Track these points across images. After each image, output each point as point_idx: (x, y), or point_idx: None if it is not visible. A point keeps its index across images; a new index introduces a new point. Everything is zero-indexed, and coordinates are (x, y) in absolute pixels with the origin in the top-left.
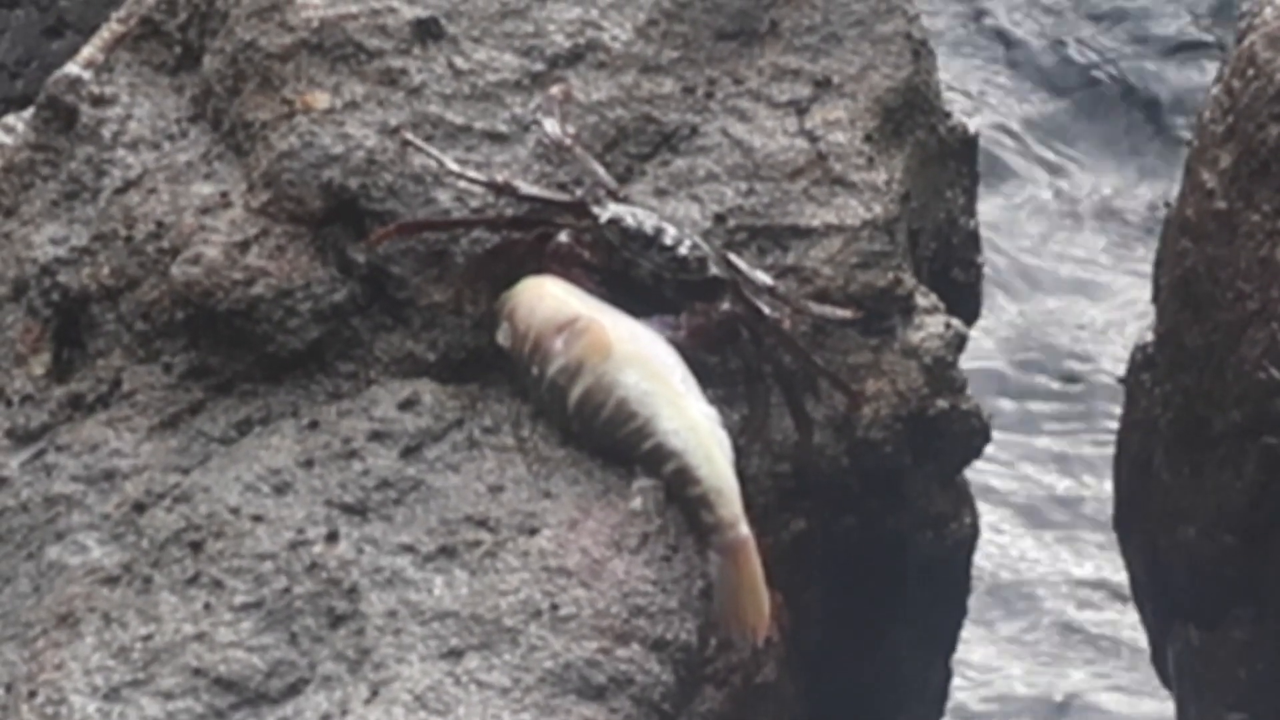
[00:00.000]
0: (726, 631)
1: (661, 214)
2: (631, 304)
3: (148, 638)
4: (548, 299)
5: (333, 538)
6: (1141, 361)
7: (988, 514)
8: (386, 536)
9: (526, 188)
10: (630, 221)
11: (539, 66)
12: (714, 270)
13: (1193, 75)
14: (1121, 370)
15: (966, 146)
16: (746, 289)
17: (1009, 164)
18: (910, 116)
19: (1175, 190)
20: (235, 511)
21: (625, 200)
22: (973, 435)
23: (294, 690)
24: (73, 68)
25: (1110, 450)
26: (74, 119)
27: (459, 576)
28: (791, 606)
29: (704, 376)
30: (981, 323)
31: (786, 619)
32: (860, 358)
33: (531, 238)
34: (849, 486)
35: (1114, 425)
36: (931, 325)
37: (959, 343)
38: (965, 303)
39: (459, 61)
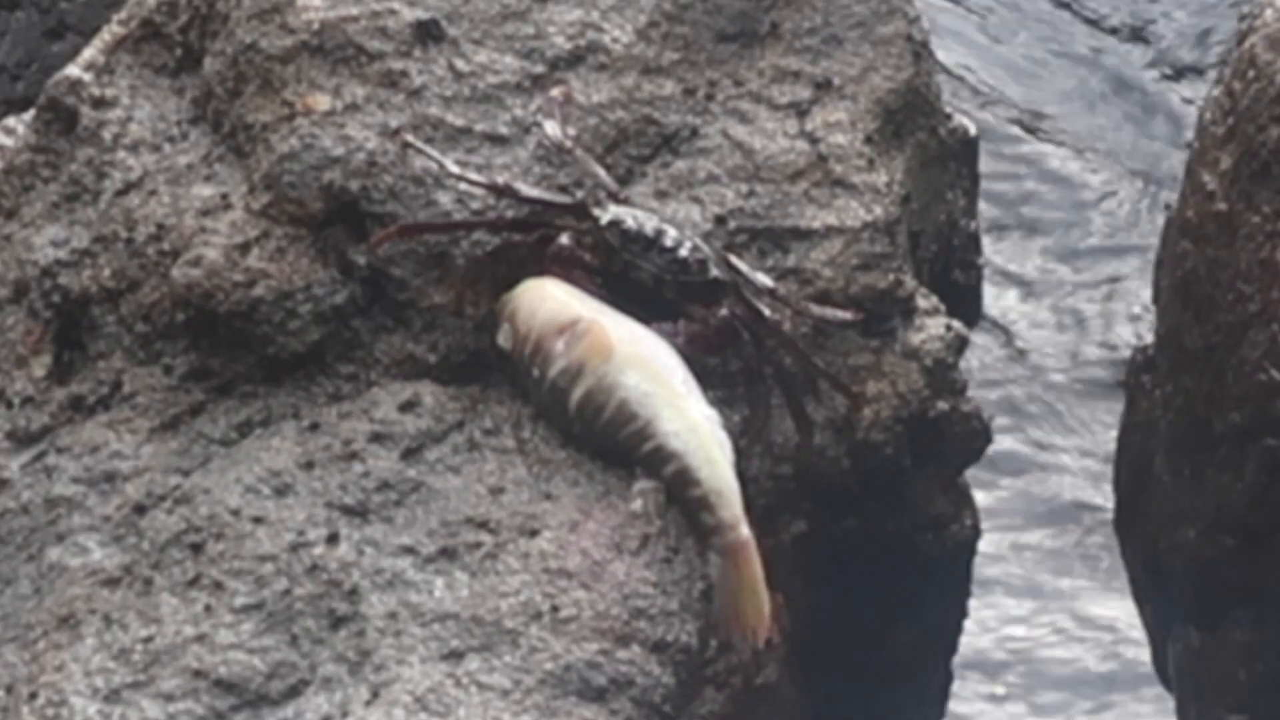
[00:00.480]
0: (727, 633)
1: (662, 216)
2: (632, 306)
3: (148, 639)
4: (549, 301)
5: (333, 539)
6: (1142, 363)
7: (988, 515)
8: (387, 538)
9: (527, 190)
10: (631, 224)
11: (539, 68)
12: (715, 272)
13: (1194, 75)
14: (1122, 372)
15: (967, 148)
16: (747, 291)
17: (1009, 165)
18: (911, 118)
19: (1176, 192)
20: (236, 513)
21: (626, 202)
22: (973, 437)
23: (294, 692)
24: (73, 70)
25: (1111, 452)
26: (75, 121)
27: (459, 578)
28: (792, 608)
29: (705, 378)
30: (982, 324)
31: (787, 620)
32: (861, 359)
33: (532, 240)
34: (849, 488)
35: (1114, 427)
36: (932, 327)
37: (960, 344)
38: (966, 304)
39: (460, 63)
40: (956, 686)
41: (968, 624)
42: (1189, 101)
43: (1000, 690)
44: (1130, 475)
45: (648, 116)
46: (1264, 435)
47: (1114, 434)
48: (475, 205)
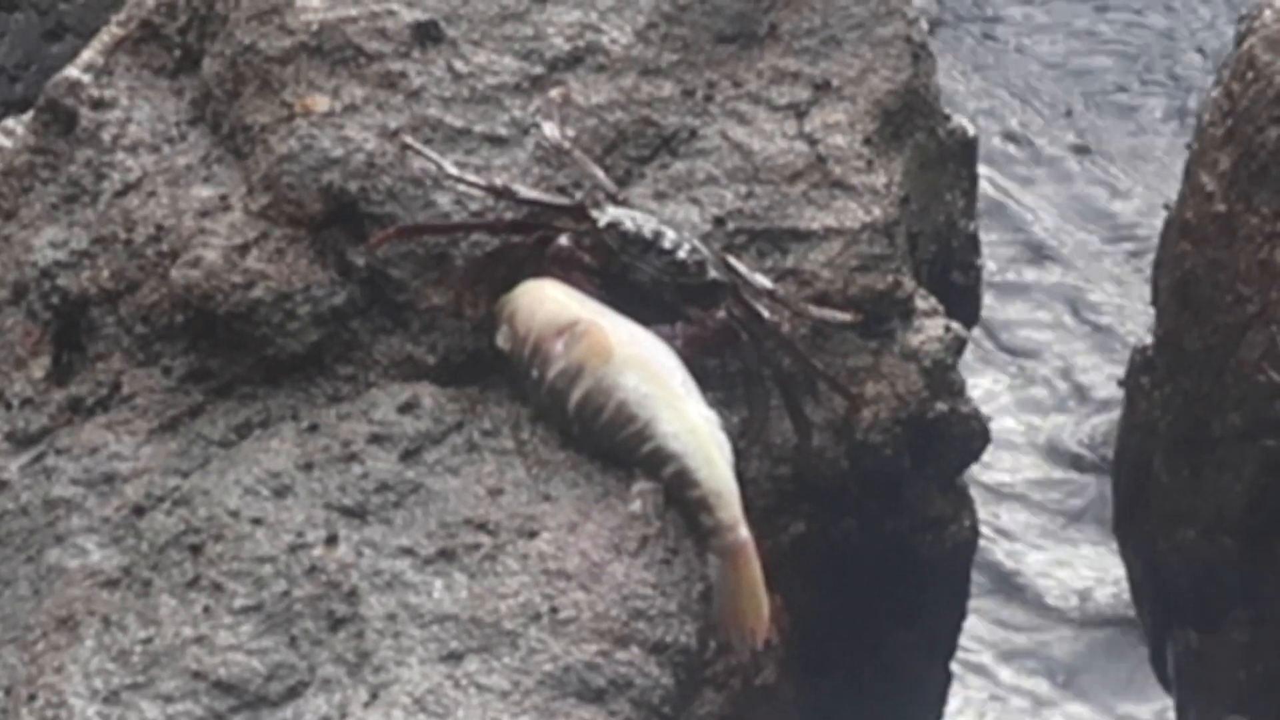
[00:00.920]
0: (726, 634)
1: (661, 217)
2: (631, 307)
3: (147, 641)
4: (548, 302)
5: (332, 541)
6: (1141, 364)
7: (987, 517)
8: (386, 539)
9: (526, 191)
10: (629, 226)
11: (538, 69)
12: (713, 274)
13: (1195, 75)
14: (1121, 373)
15: (966, 149)
16: (746, 292)
17: (1010, 165)
18: (909, 119)
19: (1175, 192)
20: (235, 514)
21: (625, 204)
22: (972, 438)
23: (293, 693)
24: (72, 71)
25: (1110, 452)
26: (73, 122)
27: (458, 579)
28: (791, 609)
29: (703, 380)
30: (981, 325)
31: (786, 621)
32: (859, 361)
33: (531, 241)
34: (848, 489)
35: (1113, 428)
36: (931, 328)
37: (958, 345)
38: (965, 305)
39: (458, 65)
40: (955, 687)
41: (967, 626)
42: (1190, 101)
43: (999, 690)
44: (1129, 476)
45: (646, 118)
46: (1263, 436)
47: (1113, 435)
48: (474, 206)
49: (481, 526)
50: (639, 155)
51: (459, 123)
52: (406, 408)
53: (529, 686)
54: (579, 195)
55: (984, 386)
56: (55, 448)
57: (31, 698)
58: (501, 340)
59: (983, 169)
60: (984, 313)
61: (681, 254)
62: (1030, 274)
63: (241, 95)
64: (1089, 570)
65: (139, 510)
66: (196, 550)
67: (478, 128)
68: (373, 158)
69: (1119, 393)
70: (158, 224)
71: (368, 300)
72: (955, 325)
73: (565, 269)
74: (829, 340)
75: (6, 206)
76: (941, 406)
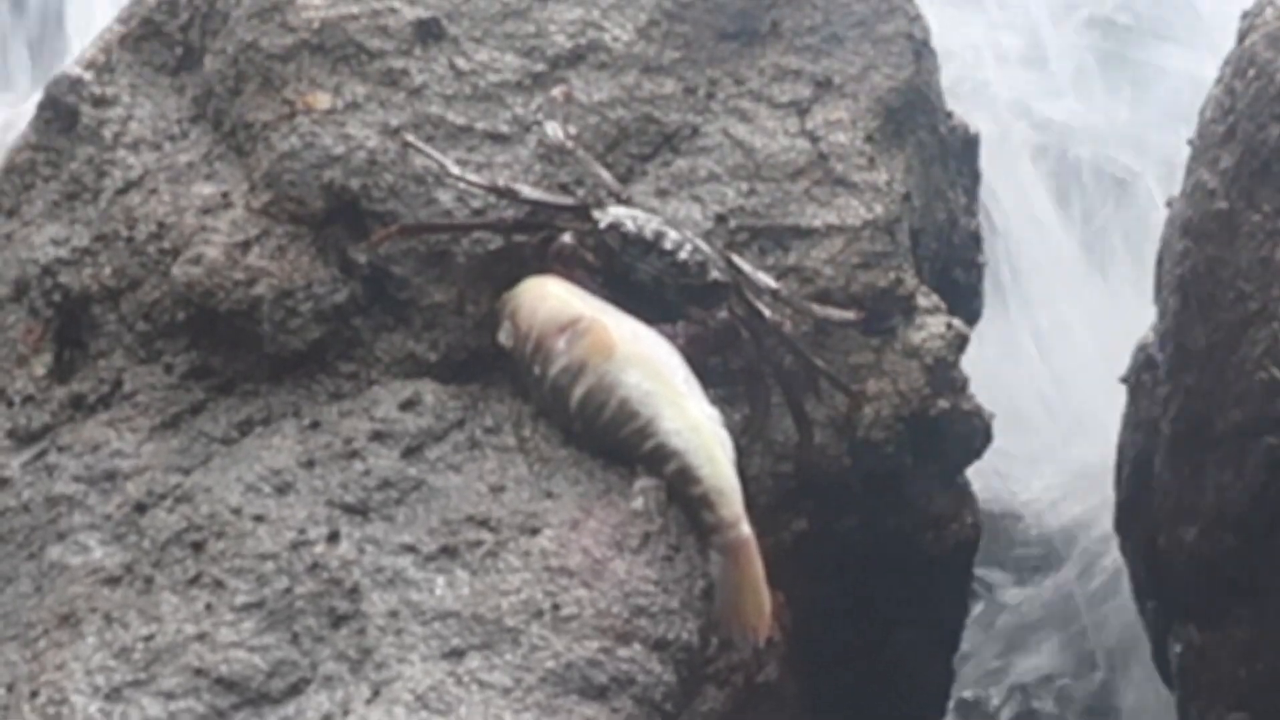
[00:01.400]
0: (728, 631)
1: (663, 215)
2: (633, 306)
3: (149, 638)
4: (550, 299)
5: (334, 538)
6: (1142, 361)
7: (989, 514)
8: (388, 536)
9: (528, 191)
10: (630, 226)
11: (540, 67)
12: (715, 274)
13: (1196, 75)
14: (1122, 369)
15: (968, 146)
16: (748, 291)
17: (1010, 163)
18: (911, 117)
19: (1176, 189)
20: (237, 512)
21: (628, 202)
22: (974, 435)
23: (295, 690)
24: (74, 68)
25: (1111, 450)
26: (75, 119)
27: (460, 576)
28: (793, 606)
29: (705, 377)
30: (983, 322)
31: (788, 619)
32: (861, 358)
33: (535, 241)
34: (850, 486)
35: (1115, 424)
36: (933, 325)
37: (960, 343)
38: (967, 303)
39: (460, 62)
40: (957, 685)
41: (969, 623)
42: (1191, 101)
43: (1000, 689)
44: (1130, 473)
45: (648, 115)
46: (1264, 433)
47: (1114, 432)
48: (476, 204)
49: (483, 523)
50: (641, 152)
51: (461, 120)
52: (408, 405)
53: (531, 683)
54: (582, 193)
55: None
56: (57, 445)
57: (33, 694)
58: (503, 337)
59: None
60: None
61: (683, 254)
62: (1029, 271)
63: (243, 93)
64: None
65: (141, 507)
66: (198, 547)
67: (479, 125)
68: (374, 155)
69: None
70: (159, 221)
71: (369, 298)
72: (957, 322)
73: (568, 266)
74: (831, 338)
75: (8, 204)
76: (943, 404)
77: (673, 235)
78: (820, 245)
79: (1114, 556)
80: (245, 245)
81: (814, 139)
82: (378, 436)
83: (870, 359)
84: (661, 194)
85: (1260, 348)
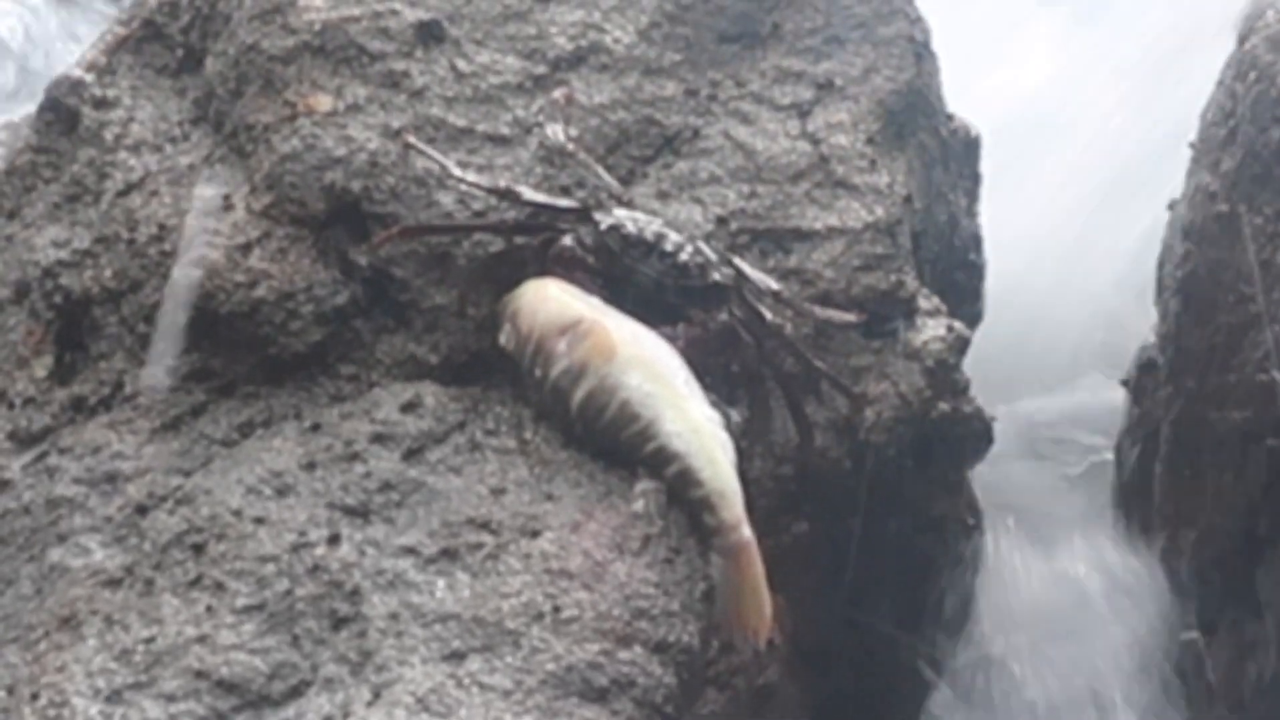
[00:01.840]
0: (729, 634)
1: (664, 217)
2: (634, 308)
3: (150, 640)
4: (551, 301)
5: (335, 540)
6: (1143, 363)
7: (990, 516)
8: (388, 539)
9: (529, 194)
10: (631, 229)
11: (541, 69)
12: (715, 277)
13: (1197, 75)
14: (1123, 372)
15: (969, 148)
16: (749, 293)
17: (1011, 164)
18: (912, 119)
19: (1178, 192)
20: (237, 514)
21: (629, 204)
22: (976, 438)
23: (296, 693)
24: (75, 70)
25: (1111, 453)
26: (76, 122)
27: (461, 579)
28: (793, 609)
29: (705, 380)
30: (984, 325)
31: (789, 621)
32: (862, 360)
33: (536, 243)
34: (851, 489)
35: (1115, 427)
36: (934, 328)
37: (961, 345)
38: (968, 305)
39: (461, 64)
40: (958, 685)
41: (970, 623)
42: (1193, 101)
43: (1002, 690)
44: (1131, 475)
45: (649, 117)
46: (1265, 436)
47: (1114, 434)
48: (477, 206)
49: (484, 526)
50: (642, 155)
51: (462, 122)
52: (409, 407)
53: (531, 686)
54: (582, 196)
55: None
56: (58, 447)
57: (34, 696)
58: (504, 339)
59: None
60: None
61: (684, 257)
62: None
63: (244, 95)
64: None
65: (141, 509)
66: (199, 549)
67: (480, 127)
68: (375, 157)
69: None
70: (160, 223)
71: (370, 300)
72: (958, 325)
73: (568, 269)
74: (832, 340)
75: (9, 206)
76: (944, 406)
77: (673, 237)
78: (821, 248)
79: (1114, 555)
80: (246, 247)
81: (815, 141)
82: (378, 439)
83: (871, 361)
84: (662, 196)
85: (1261, 350)
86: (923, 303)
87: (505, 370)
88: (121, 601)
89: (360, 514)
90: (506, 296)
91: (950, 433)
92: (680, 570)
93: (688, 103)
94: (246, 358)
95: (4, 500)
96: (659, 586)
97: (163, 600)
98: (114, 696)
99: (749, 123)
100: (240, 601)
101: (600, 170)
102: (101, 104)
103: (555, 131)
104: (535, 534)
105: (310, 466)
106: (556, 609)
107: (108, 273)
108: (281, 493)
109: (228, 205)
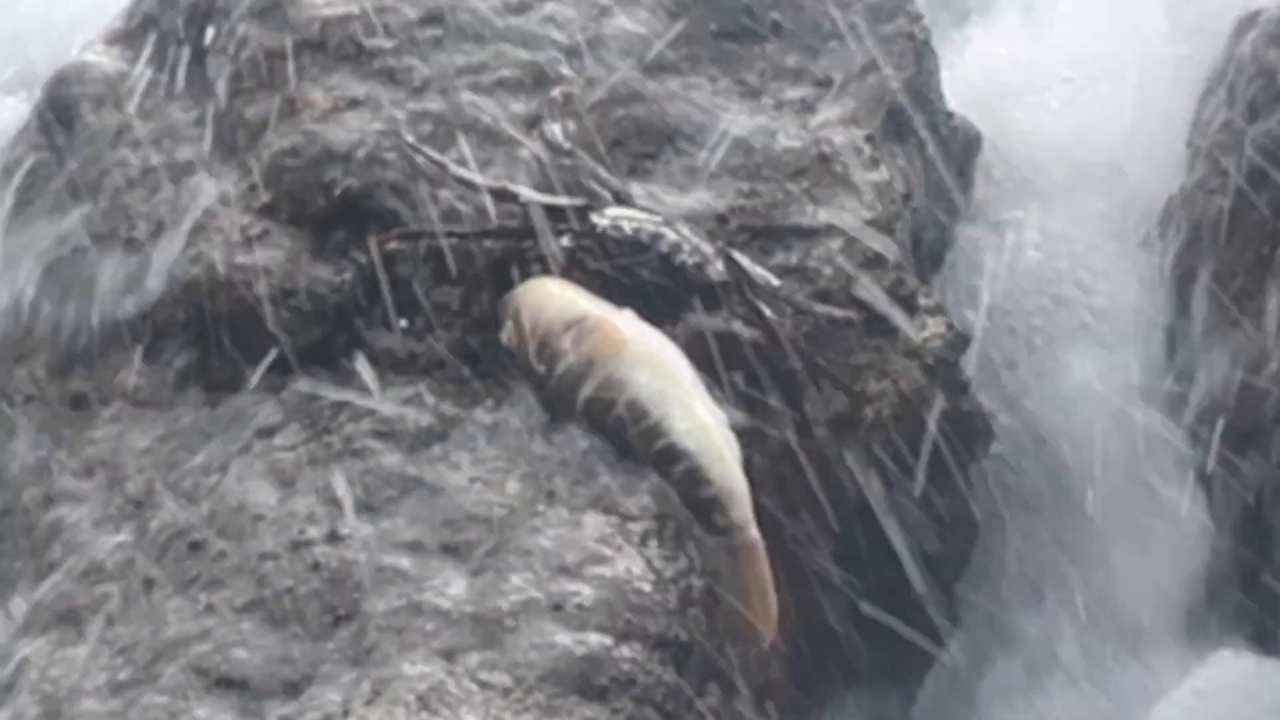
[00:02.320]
0: (733, 632)
1: (663, 216)
2: (633, 306)
3: (150, 636)
4: (554, 298)
5: (334, 537)
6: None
7: (991, 516)
8: (388, 535)
9: (528, 193)
10: (629, 227)
11: (541, 67)
12: (713, 275)
13: (1198, 74)
14: None
15: (968, 146)
16: (749, 290)
17: (1010, 161)
18: (912, 116)
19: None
20: (237, 510)
21: (628, 202)
22: (976, 435)
23: (296, 689)
24: (75, 66)
25: None
26: (76, 118)
27: (461, 575)
28: (795, 608)
29: (705, 378)
30: (984, 322)
31: (791, 620)
32: (862, 358)
33: (535, 241)
34: (851, 487)
35: None
36: (934, 325)
37: (961, 343)
38: (968, 303)
39: (460, 61)
40: (959, 685)
41: (971, 623)
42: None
43: (1002, 689)
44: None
45: (649, 114)
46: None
47: None
48: (476, 203)
49: (484, 522)
50: (642, 151)
51: (461, 119)
52: (409, 404)
53: (531, 683)
54: (581, 194)
55: None
56: (58, 444)
57: (35, 693)
58: (506, 336)
59: None
60: None
61: (681, 256)
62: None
63: (244, 91)
64: None
65: (141, 506)
66: (199, 546)
67: (480, 124)
68: (375, 154)
69: None
70: (159, 220)
71: (370, 297)
72: (958, 322)
73: (567, 269)
74: (831, 337)
75: (9, 201)
76: (944, 404)
77: (671, 235)
78: (821, 244)
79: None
80: (246, 244)
81: (815, 138)
82: (379, 435)
83: (871, 359)
84: (662, 193)
85: None
86: (922, 300)
87: (506, 367)
88: (122, 598)
89: (360, 510)
90: (508, 294)
91: (950, 430)
92: (681, 567)
93: (688, 100)
94: (246, 355)
95: (4, 497)
96: (659, 583)
97: (163, 597)
98: (114, 692)
99: (749, 120)
100: (240, 598)
101: (600, 169)
102: (101, 100)
103: (555, 129)
104: (535, 530)
105: (311, 463)
106: (556, 606)
107: (107, 270)
108: (282, 489)
109: (227, 202)
